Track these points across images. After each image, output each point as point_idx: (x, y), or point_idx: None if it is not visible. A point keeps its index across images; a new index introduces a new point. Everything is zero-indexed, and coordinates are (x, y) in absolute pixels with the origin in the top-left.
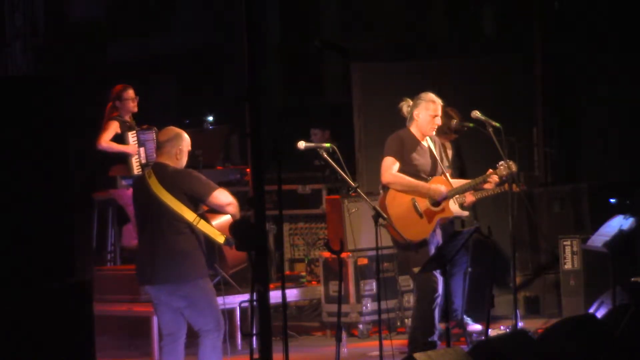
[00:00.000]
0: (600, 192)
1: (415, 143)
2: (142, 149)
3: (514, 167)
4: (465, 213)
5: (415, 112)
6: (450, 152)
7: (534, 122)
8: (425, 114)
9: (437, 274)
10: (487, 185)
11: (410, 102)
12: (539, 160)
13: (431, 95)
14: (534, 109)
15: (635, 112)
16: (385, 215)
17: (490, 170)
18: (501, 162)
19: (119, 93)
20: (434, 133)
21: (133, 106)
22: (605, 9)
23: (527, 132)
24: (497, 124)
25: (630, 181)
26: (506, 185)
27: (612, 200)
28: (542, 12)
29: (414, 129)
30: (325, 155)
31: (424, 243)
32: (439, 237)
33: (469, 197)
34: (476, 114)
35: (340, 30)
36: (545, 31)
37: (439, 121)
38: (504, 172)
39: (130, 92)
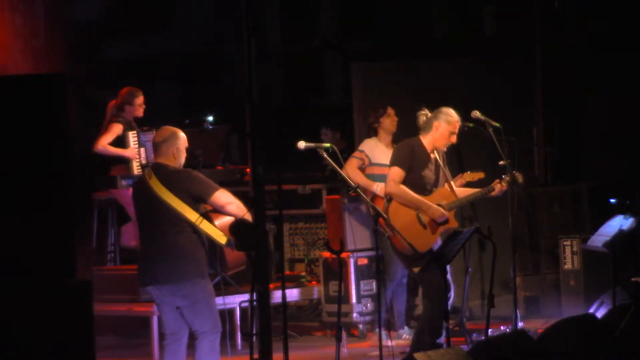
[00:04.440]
0: (600, 192)
1: (426, 156)
2: (142, 150)
3: (520, 179)
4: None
5: (436, 123)
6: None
7: (534, 122)
8: (446, 127)
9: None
10: (492, 194)
11: (429, 113)
12: (539, 160)
13: (453, 112)
14: (534, 109)
15: (635, 111)
16: (385, 216)
17: (497, 180)
18: (506, 168)
19: (130, 97)
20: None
21: (140, 111)
22: (605, 9)
23: (527, 132)
24: (497, 124)
25: (630, 181)
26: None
27: (612, 200)
28: (542, 12)
29: (426, 140)
30: (325, 155)
31: (428, 253)
32: (438, 241)
33: (460, 181)
34: (476, 114)
35: (340, 30)
36: (545, 31)
37: (455, 139)
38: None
39: (141, 98)
